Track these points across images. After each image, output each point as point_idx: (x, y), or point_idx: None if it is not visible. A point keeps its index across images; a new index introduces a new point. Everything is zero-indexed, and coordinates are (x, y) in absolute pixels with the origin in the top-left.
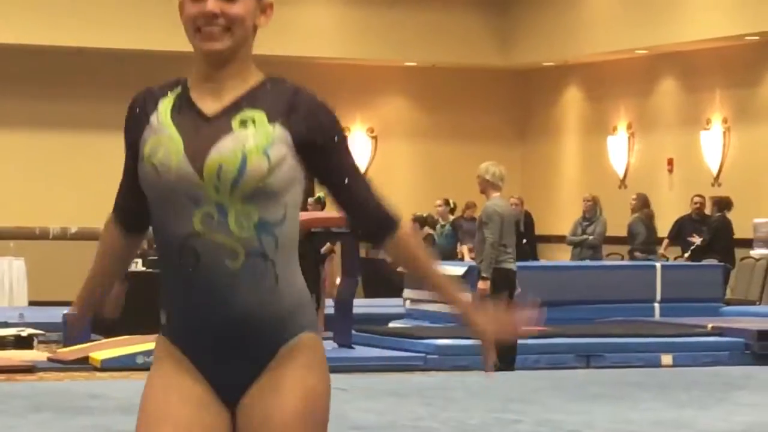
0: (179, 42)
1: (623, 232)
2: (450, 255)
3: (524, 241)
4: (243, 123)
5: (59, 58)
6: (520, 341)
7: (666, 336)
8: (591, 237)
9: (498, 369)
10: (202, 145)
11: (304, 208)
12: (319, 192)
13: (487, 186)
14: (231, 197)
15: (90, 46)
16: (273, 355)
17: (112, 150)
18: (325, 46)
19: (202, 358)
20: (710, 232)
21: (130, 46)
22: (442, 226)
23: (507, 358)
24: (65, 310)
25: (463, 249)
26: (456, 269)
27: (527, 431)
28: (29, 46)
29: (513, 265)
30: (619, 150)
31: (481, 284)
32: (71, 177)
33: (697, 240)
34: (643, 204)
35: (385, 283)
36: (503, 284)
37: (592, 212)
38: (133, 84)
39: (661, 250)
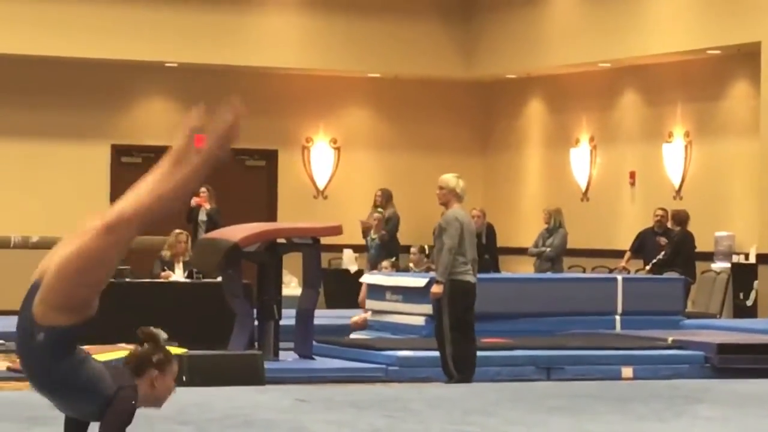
0: (138, 51)
1: (585, 245)
2: None
3: (486, 255)
4: None
5: (19, 67)
6: (479, 354)
7: (626, 348)
8: (548, 249)
9: (457, 380)
10: None
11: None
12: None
13: (451, 198)
14: None
15: (51, 54)
16: None
17: (74, 159)
18: (288, 56)
19: None
20: (672, 245)
21: (91, 54)
22: None
23: (465, 370)
24: None
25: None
26: (418, 280)
27: None
28: None
29: (472, 278)
30: (581, 162)
31: (434, 288)
32: (33, 186)
33: (664, 242)
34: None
35: (347, 294)
36: (460, 296)
37: (551, 224)
38: (93, 92)
39: (622, 262)
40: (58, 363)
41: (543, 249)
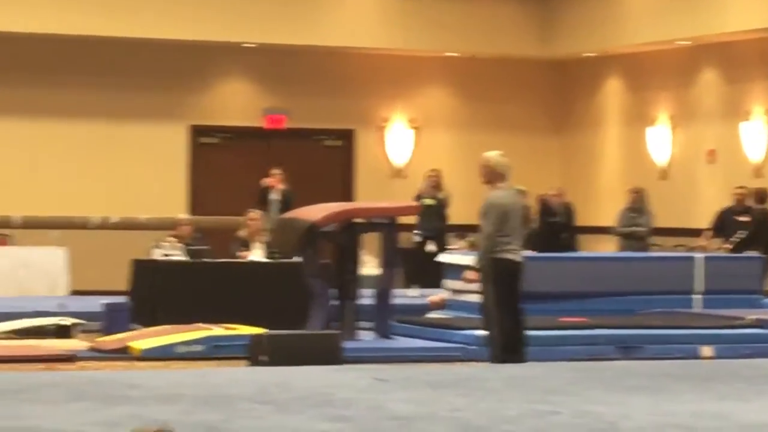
0: (217, 32)
1: (664, 224)
2: None
3: (564, 234)
4: None
5: (98, 48)
6: (557, 333)
7: (706, 328)
8: (642, 229)
9: (503, 360)
10: None
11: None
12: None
13: (495, 177)
14: None
15: (130, 36)
16: None
17: (153, 139)
18: (365, 36)
19: None
20: (752, 224)
21: (169, 36)
22: None
23: (516, 351)
24: (106, 299)
25: None
26: (467, 258)
27: (565, 423)
28: (66, 35)
29: (516, 256)
30: (659, 141)
31: (469, 274)
32: (112, 167)
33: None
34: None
35: (426, 274)
36: (503, 275)
37: (638, 204)
38: (171, 73)
39: (701, 241)
40: None
41: (636, 228)
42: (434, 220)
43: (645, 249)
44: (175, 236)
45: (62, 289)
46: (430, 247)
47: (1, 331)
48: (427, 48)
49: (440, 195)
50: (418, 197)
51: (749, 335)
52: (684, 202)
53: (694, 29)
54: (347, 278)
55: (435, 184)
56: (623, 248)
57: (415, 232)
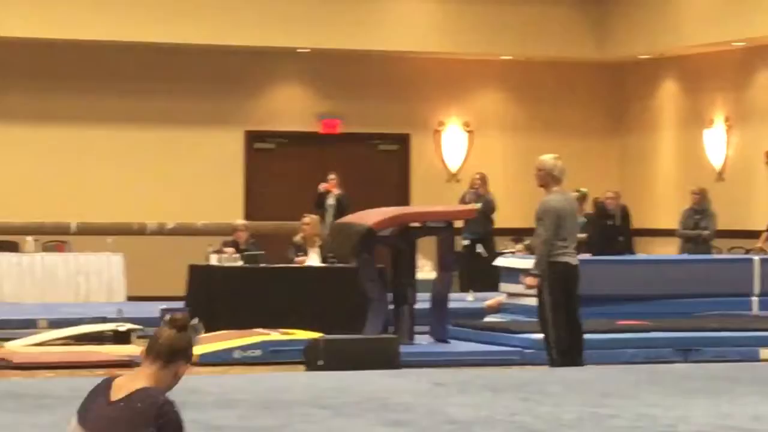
0: (271, 37)
1: (721, 225)
2: None
3: (620, 237)
4: None
5: (154, 55)
6: (617, 335)
7: (764, 330)
8: (707, 232)
9: (561, 364)
10: None
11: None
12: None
13: (550, 180)
14: None
15: (184, 42)
16: None
17: (208, 145)
18: (420, 40)
19: None
20: None
21: (223, 41)
22: None
23: (572, 354)
24: (163, 304)
25: None
26: (524, 261)
27: (624, 426)
28: (124, 42)
29: (572, 259)
30: (716, 143)
31: (528, 280)
32: (168, 173)
33: None
34: None
35: (482, 278)
36: (559, 278)
37: (701, 205)
38: (226, 79)
39: (758, 243)
40: None
41: (699, 232)
42: (480, 223)
43: (709, 251)
44: (231, 245)
45: (119, 294)
46: (481, 250)
47: (60, 337)
48: (481, 51)
49: (486, 198)
50: (463, 201)
51: None
52: (741, 204)
53: (750, 30)
54: (403, 282)
55: (480, 187)
56: (685, 250)
57: (464, 235)
